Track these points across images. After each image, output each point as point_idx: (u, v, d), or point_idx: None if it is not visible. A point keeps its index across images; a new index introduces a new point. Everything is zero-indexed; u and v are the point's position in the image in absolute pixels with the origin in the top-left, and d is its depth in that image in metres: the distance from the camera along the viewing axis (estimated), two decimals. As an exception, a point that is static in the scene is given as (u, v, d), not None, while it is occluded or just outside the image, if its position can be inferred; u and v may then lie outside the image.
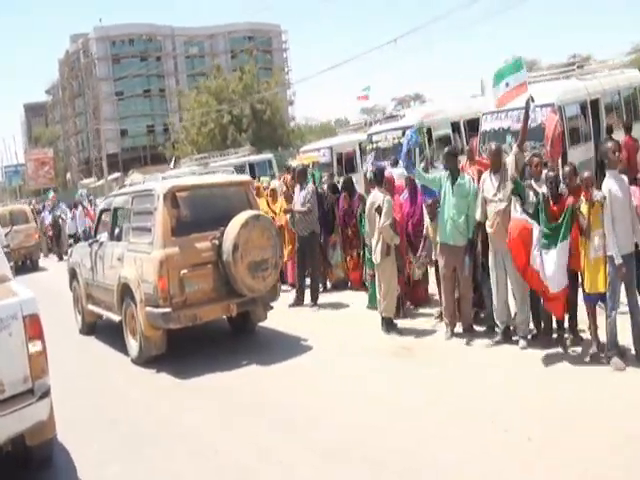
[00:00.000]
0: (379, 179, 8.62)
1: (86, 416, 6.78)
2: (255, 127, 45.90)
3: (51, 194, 32.72)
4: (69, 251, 11.83)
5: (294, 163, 28.22)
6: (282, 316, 9.71)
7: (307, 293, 10.80)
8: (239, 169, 26.21)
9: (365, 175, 10.54)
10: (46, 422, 5.06)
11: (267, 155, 31.32)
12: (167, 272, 7.77)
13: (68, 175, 73.59)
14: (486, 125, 14.49)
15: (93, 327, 10.53)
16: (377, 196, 8.42)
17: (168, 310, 7.78)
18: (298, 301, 10.65)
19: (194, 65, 79.38)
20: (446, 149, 8.39)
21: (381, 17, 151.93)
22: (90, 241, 10.03)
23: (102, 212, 10.38)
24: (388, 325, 8.50)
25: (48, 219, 25.71)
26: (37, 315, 4.98)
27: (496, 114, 13.94)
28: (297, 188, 10.77)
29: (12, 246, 16.96)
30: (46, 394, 4.99)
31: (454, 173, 7.83)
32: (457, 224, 7.71)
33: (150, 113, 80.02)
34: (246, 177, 10.15)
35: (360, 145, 22.40)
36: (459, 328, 8.04)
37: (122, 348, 8.84)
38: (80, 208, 22.37)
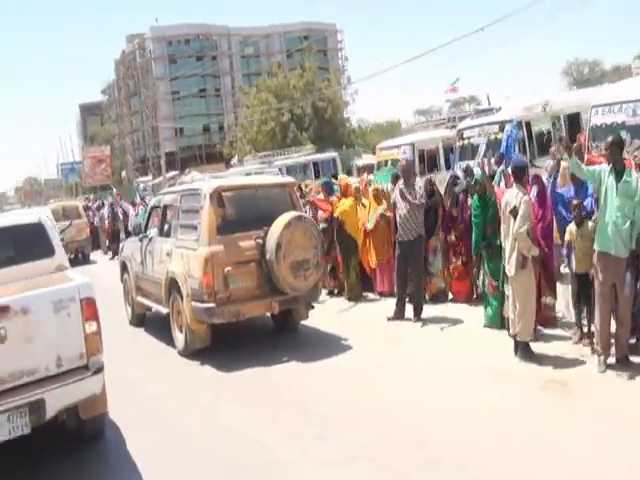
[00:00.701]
0: (520, 174, 7.30)
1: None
2: (316, 125, 45.12)
3: (114, 191, 33.50)
4: (120, 245, 12.37)
5: (360, 162, 28.09)
6: (381, 330, 9.18)
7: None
8: (302, 168, 26.24)
9: (483, 170, 9.39)
10: (99, 396, 5.66)
11: (331, 154, 30.67)
12: (212, 269, 8.13)
13: (123, 173, 75.14)
14: (596, 119, 12.94)
15: (142, 319, 11.02)
16: (513, 195, 7.19)
17: (212, 305, 8.14)
18: (399, 314, 9.45)
19: (249, 65, 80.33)
20: (610, 138, 6.85)
21: (428, 22, 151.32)
22: (140, 236, 10.52)
23: (152, 209, 10.88)
24: (524, 350, 7.21)
25: (107, 215, 25.77)
26: (93, 298, 5.57)
27: (608, 107, 12.52)
28: (400, 184, 9.51)
29: (65, 240, 17.75)
30: (99, 370, 5.58)
31: (619, 168, 6.50)
32: (620, 230, 6.43)
33: (206, 112, 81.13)
34: (289, 179, 10.44)
35: (443, 142, 21.29)
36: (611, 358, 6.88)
37: (170, 340, 9.22)
38: (142, 206, 22.58)
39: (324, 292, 10.85)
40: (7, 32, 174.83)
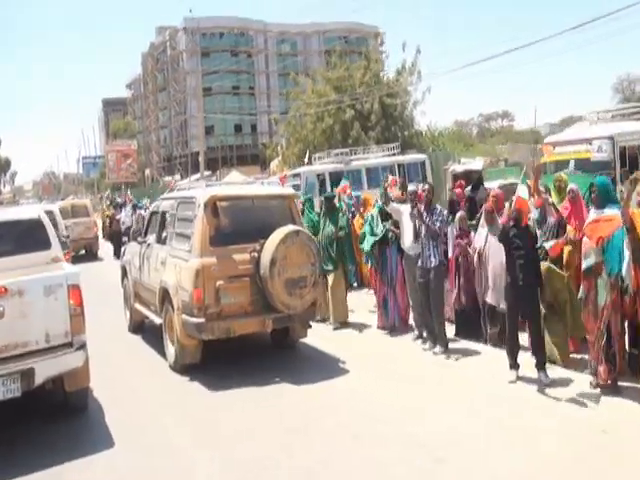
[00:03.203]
0: None
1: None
2: (384, 125, 40.97)
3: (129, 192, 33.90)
4: (122, 249, 12.62)
5: (458, 168, 26.11)
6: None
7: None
8: (384, 170, 23.54)
9: None
10: (81, 369, 6.90)
11: (420, 156, 28.03)
12: (203, 282, 8.23)
13: (147, 171, 75.92)
14: None
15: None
16: None
17: (202, 320, 8.24)
18: None
19: (285, 64, 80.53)
20: None
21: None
22: (140, 240, 10.75)
23: (152, 214, 11.07)
24: None
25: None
26: (78, 286, 6.80)
27: None
28: None
29: (72, 237, 19.46)
30: (82, 347, 6.82)
31: None
32: None
33: (238, 112, 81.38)
34: (290, 191, 10.53)
35: None
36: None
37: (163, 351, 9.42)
38: None
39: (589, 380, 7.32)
40: (26, 23, 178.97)
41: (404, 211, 9.58)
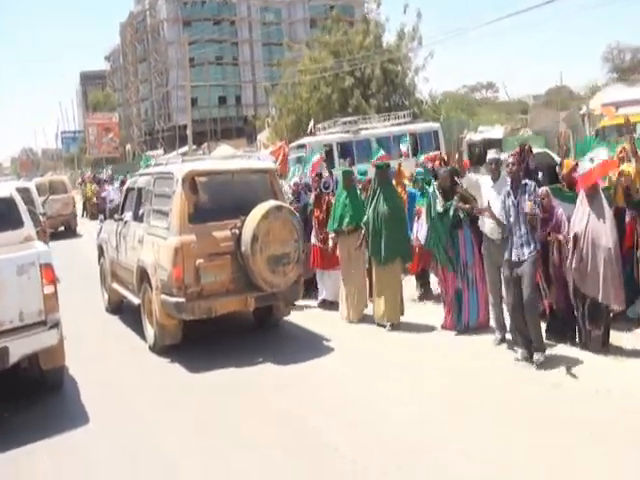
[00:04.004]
0: None
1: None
2: (386, 92, 39.06)
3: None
4: (99, 227, 12.43)
5: (475, 136, 24.66)
6: None
7: None
8: (396, 139, 22.92)
9: None
10: (56, 347, 7.03)
11: (432, 124, 27.08)
12: (182, 260, 8.09)
13: (128, 146, 74.99)
14: None
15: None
16: None
17: (182, 300, 8.11)
18: None
19: (270, 34, 79.70)
20: None
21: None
22: (116, 218, 10.57)
23: (128, 191, 10.85)
24: None
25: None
26: (51, 264, 6.88)
27: None
28: None
29: (49, 214, 19.25)
30: (56, 325, 6.92)
31: None
32: None
33: (222, 83, 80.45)
34: (270, 164, 10.33)
35: None
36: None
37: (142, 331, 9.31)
38: None
39: None
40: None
41: (483, 184, 8.12)
